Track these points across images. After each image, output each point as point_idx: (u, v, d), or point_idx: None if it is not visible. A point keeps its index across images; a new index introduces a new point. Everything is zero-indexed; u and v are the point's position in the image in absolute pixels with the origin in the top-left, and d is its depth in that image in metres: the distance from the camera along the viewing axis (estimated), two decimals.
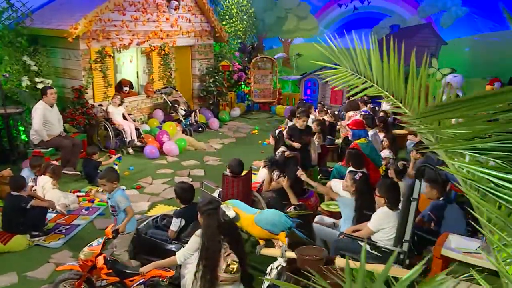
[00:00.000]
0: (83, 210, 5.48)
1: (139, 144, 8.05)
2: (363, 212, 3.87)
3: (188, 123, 9.46)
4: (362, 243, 3.45)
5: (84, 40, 7.86)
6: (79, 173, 6.69)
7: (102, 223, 5.14)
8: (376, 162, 5.48)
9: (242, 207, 2.94)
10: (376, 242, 3.38)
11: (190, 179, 6.72)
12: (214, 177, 6.79)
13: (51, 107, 6.67)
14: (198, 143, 8.51)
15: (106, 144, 8.08)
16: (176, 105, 9.53)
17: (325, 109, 9.61)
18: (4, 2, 7.25)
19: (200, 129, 9.67)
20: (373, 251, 3.42)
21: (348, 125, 6.26)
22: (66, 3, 8.61)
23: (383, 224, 3.41)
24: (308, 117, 6.16)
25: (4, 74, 6.75)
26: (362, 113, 7.85)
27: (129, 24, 8.69)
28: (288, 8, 12.53)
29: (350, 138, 6.25)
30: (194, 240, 3.39)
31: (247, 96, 12.15)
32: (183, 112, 9.51)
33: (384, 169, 5.42)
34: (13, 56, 7.36)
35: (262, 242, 2.91)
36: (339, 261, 2.46)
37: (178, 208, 4.46)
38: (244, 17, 12.83)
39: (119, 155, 6.92)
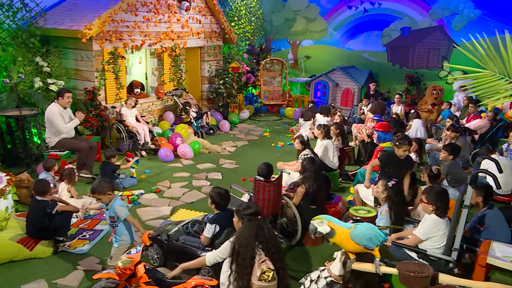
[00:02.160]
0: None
1: (152, 146, 7.93)
2: (398, 219, 3.80)
3: (199, 125, 9.36)
4: (408, 251, 3.37)
5: (97, 41, 7.74)
6: (95, 176, 6.57)
7: None
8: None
9: (336, 221, 2.81)
10: (425, 251, 3.29)
11: (209, 183, 6.63)
12: (232, 181, 6.70)
13: (64, 109, 6.55)
14: (212, 145, 8.40)
15: (119, 147, 7.97)
16: (188, 107, 9.43)
17: (338, 112, 9.58)
18: (18, 2, 7.11)
19: (211, 131, 9.57)
20: (421, 260, 3.34)
21: (374, 127, 6.18)
22: (77, 3, 8.48)
23: (432, 232, 3.33)
24: (411, 145, 5.39)
25: (19, 75, 6.60)
26: (375, 118, 7.81)
27: (141, 25, 8.58)
28: (297, 10, 12.46)
29: (375, 140, 6.17)
30: (227, 245, 3.32)
31: (255, 98, 12.07)
32: (194, 114, 9.41)
33: (410, 173, 5.35)
34: (26, 57, 7.23)
35: (352, 256, 2.79)
36: (444, 278, 2.34)
37: (212, 214, 4.38)
38: (253, 18, 12.75)
39: (137, 158, 6.80)
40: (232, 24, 12.05)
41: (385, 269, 2.52)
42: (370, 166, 5.40)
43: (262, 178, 4.41)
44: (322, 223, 2.74)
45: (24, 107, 6.79)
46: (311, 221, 2.86)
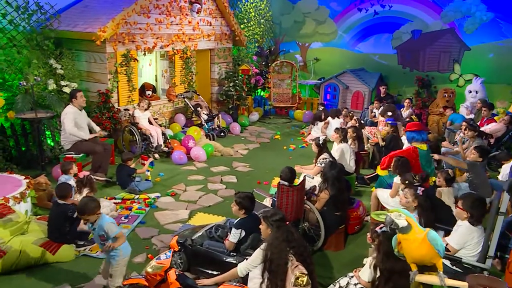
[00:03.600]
0: (123, 218, 5.33)
1: (165, 149, 7.90)
2: (429, 225, 3.75)
3: (211, 127, 9.33)
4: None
5: (111, 43, 7.72)
6: (109, 179, 6.55)
7: (145, 232, 5.01)
8: (425, 169, 5.39)
9: (414, 218, 2.69)
10: (461, 258, 3.25)
11: (224, 186, 6.60)
12: (247, 184, 6.69)
13: (80, 110, 6.53)
14: (225, 148, 8.37)
15: (131, 149, 7.93)
16: (199, 110, 9.40)
17: (350, 114, 9.54)
18: (34, 5, 7.10)
19: (222, 134, 9.53)
20: (454, 267, 3.30)
21: (404, 129, 6.16)
22: (90, 5, 8.47)
23: (467, 240, 3.29)
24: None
25: (36, 77, 6.59)
26: (388, 121, 7.77)
27: (153, 27, 8.56)
28: (306, 12, 12.42)
29: (404, 141, 6.18)
30: (259, 253, 3.28)
31: (264, 100, 12.02)
32: (205, 117, 9.38)
33: (434, 179, 5.30)
34: (40, 60, 7.21)
35: (414, 268, 2.72)
36: None
37: (233, 219, 4.36)
38: (262, 20, 12.73)
39: (151, 159, 6.76)
40: (242, 26, 12.03)
41: (451, 282, 2.47)
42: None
43: (286, 183, 4.37)
44: (400, 216, 2.58)
45: (38, 110, 6.77)
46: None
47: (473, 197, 3.47)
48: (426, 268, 2.61)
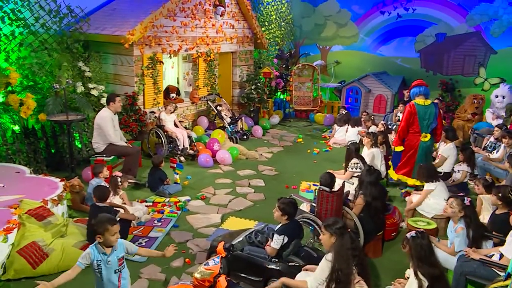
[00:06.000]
0: (156, 222, 5.34)
1: (191, 152, 7.91)
2: (478, 237, 3.70)
3: (234, 130, 9.32)
4: (498, 271, 3.26)
5: (138, 46, 7.76)
6: (139, 181, 6.57)
7: (180, 236, 5.00)
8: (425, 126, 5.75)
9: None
10: None
11: (253, 190, 6.57)
12: (275, 188, 6.67)
13: (115, 114, 6.58)
14: (250, 151, 8.35)
15: (157, 152, 7.95)
16: (222, 112, 9.41)
17: (372, 118, 9.46)
18: (65, 8, 7.17)
19: (244, 136, 9.52)
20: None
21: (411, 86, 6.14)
22: (117, 8, 8.53)
23: None
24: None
25: (67, 80, 6.65)
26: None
27: (178, 30, 8.60)
28: (328, 15, 12.37)
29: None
30: (326, 265, 3.18)
31: (283, 103, 11.98)
32: (229, 120, 9.38)
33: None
34: (70, 62, 7.28)
35: None
36: None
37: (271, 224, 4.34)
38: (282, 23, 12.71)
39: (177, 161, 6.75)
40: (263, 29, 12.03)
41: None
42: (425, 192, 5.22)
43: (327, 189, 4.33)
44: None
45: (68, 112, 6.82)
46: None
47: None
48: None
